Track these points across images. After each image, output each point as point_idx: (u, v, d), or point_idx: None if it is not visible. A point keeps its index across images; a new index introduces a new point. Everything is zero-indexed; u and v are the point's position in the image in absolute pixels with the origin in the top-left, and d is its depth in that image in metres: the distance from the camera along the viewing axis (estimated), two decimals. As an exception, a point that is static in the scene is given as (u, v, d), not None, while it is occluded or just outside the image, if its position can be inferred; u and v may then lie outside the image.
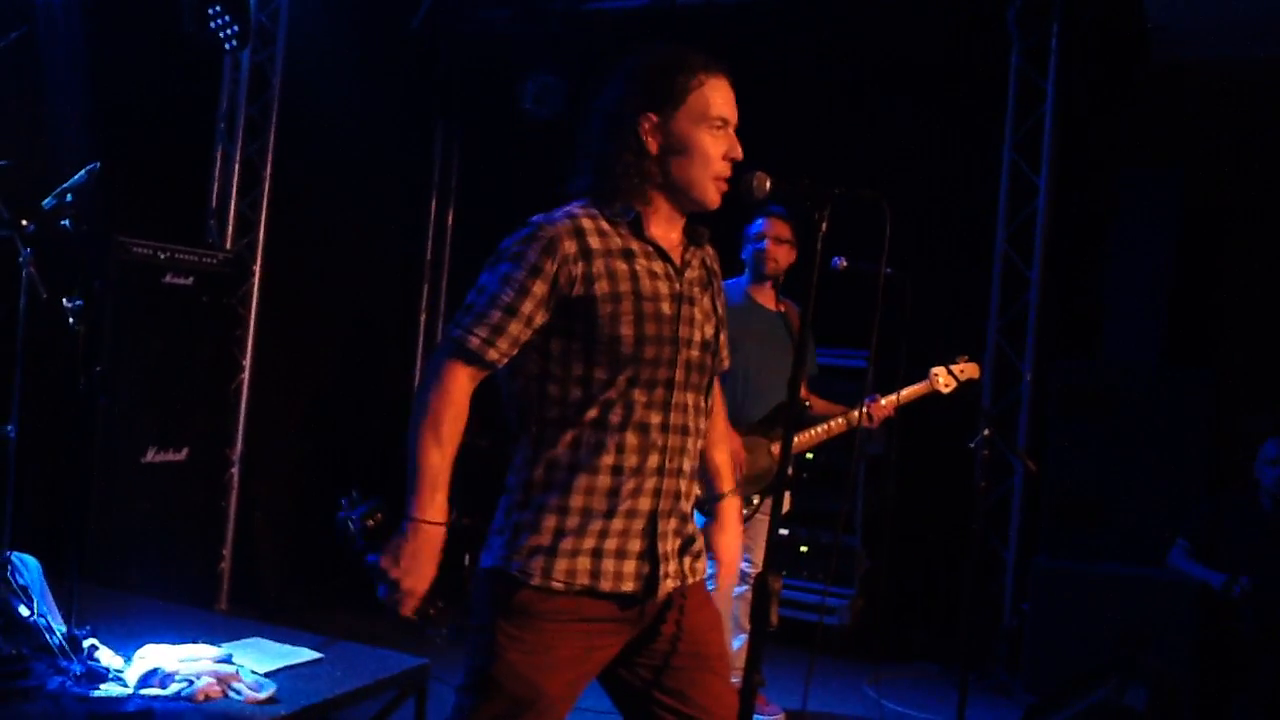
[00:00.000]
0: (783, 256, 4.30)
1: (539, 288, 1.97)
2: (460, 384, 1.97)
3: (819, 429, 4.17)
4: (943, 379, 4.13)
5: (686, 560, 2.11)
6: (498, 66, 6.67)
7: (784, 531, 4.63)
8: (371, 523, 2.05)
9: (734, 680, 2.06)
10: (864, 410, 4.07)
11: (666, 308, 2.03)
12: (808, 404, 4.28)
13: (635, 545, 2.02)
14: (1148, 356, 5.16)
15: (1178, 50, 5.40)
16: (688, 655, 2.09)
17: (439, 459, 1.95)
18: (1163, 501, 4.84)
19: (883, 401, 4.08)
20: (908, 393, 4.12)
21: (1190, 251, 5.30)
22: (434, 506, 1.94)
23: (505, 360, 1.99)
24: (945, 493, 5.36)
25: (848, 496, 5.60)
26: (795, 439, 4.01)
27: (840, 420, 4.16)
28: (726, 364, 2.32)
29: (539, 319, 1.98)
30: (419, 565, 1.94)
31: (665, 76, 2.04)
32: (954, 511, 5.05)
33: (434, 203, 7.38)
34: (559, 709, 2.02)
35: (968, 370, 4.19)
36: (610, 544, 2.00)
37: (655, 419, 2.02)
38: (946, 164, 5.82)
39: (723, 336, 2.23)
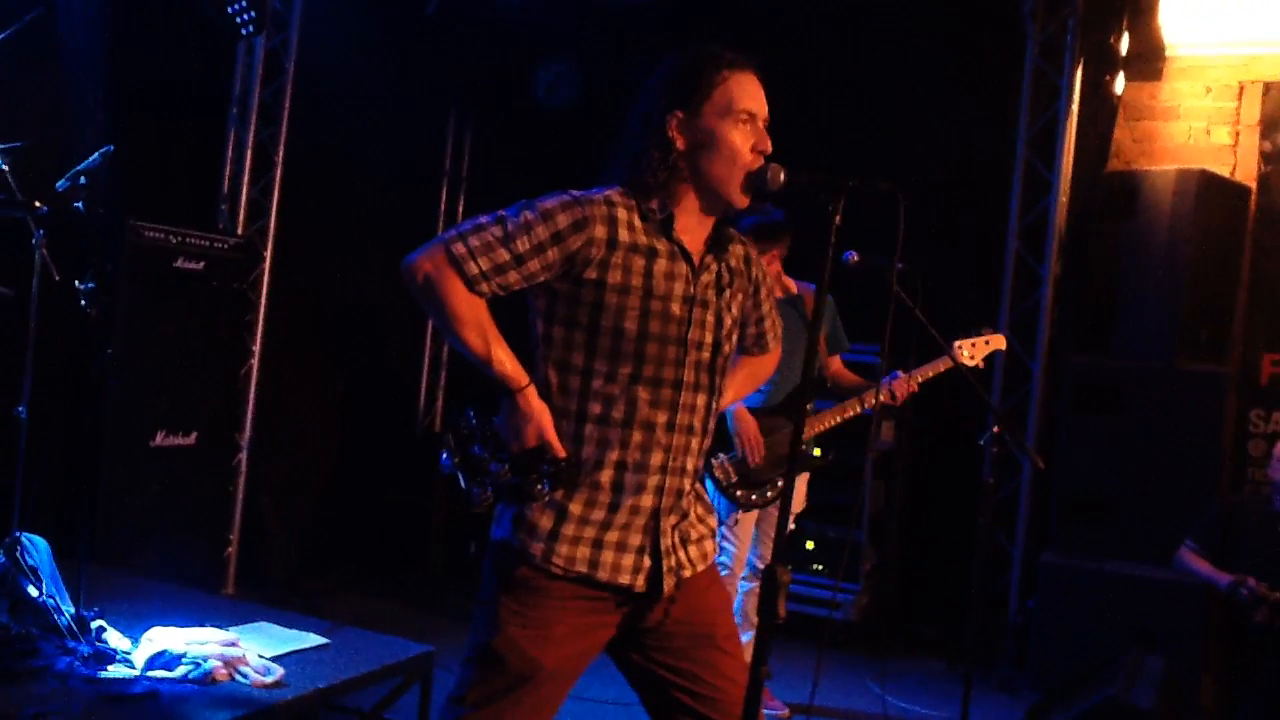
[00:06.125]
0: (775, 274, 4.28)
1: (553, 254, 1.98)
2: (461, 293, 1.98)
3: (841, 407, 4.07)
4: (966, 351, 3.94)
5: (691, 549, 2.13)
6: (511, 55, 6.67)
7: (792, 526, 4.61)
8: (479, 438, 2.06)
9: None
10: (888, 388, 3.90)
11: (677, 309, 2.04)
12: (837, 380, 4.27)
13: (635, 540, 2.05)
14: (1162, 352, 5.05)
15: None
16: (698, 637, 2.12)
17: (485, 341, 2.00)
18: (1173, 500, 4.77)
19: (904, 377, 3.92)
20: (929, 369, 3.95)
21: (1208, 247, 5.24)
22: (515, 371, 2.01)
23: (490, 295, 2.01)
24: (953, 489, 5.34)
25: (856, 492, 5.59)
26: (822, 418, 4.04)
27: (865, 398, 4.06)
28: (772, 348, 2.40)
29: (540, 278, 2.00)
30: (536, 414, 2.00)
31: (690, 74, 2.06)
32: (962, 508, 5.02)
33: (444, 189, 7.37)
34: (558, 683, 2.06)
35: (994, 341, 4.00)
36: (611, 536, 2.04)
37: (661, 418, 2.04)
38: (961, 158, 5.78)
39: (766, 323, 2.33)
